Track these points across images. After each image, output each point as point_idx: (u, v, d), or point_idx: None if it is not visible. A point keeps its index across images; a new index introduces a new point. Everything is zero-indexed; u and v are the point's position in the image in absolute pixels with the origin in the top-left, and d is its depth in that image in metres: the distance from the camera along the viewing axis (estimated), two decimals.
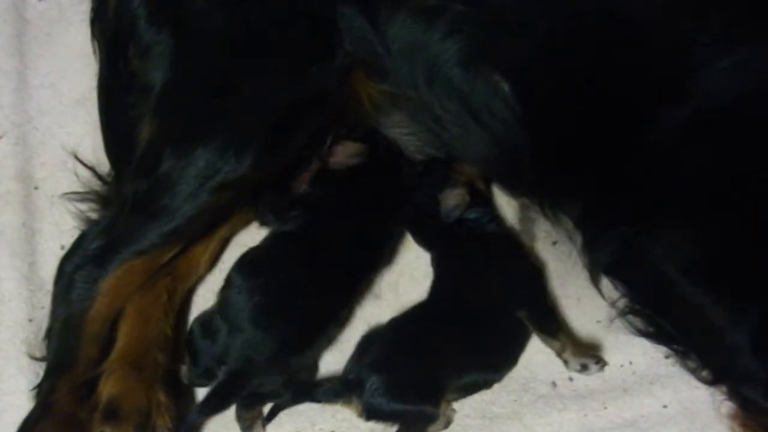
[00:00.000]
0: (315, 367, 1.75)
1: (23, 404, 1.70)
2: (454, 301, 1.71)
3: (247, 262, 1.71)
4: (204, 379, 1.67)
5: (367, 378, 1.60)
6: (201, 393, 1.72)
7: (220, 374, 1.61)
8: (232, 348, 1.61)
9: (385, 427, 1.69)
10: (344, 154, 1.78)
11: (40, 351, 1.71)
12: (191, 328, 1.69)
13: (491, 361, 1.69)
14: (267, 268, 1.69)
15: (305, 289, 1.67)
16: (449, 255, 1.79)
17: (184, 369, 1.70)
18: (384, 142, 1.84)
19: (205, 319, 1.68)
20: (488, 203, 1.85)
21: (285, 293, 1.65)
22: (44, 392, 1.64)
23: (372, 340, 1.70)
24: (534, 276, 1.78)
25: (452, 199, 1.78)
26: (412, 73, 1.71)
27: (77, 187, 1.87)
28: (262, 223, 1.83)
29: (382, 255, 1.80)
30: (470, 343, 1.66)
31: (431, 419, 1.63)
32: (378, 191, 1.81)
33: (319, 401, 1.65)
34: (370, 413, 1.61)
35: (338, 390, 1.62)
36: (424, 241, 1.85)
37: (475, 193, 1.81)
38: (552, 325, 1.72)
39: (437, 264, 1.80)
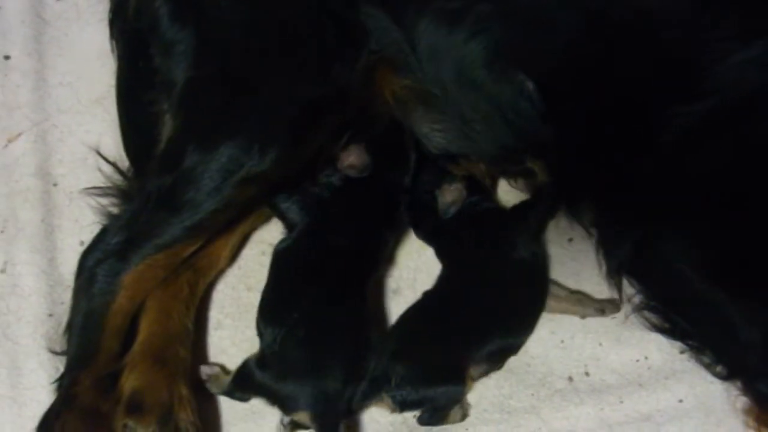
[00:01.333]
0: None
1: (43, 398, 1.71)
2: (464, 285, 1.74)
3: (266, 309, 1.71)
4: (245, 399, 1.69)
5: (391, 371, 1.61)
6: None
7: (307, 418, 1.61)
8: (302, 396, 1.60)
9: (404, 421, 1.72)
10: (350, 162, 1.79)
11: (60, 346, 1.72)
12: (248, 365, 1.66)
13: (510, 325, 1.71)
14: (285, 310, 1.68)
15: (324, 307, 1.67)
16: (451, 245, 1.81)
17: (205, 372, 1.71)
18: (392, 147, 1.85)
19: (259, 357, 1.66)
20: (486, 192, 1.88)
21: (311, 326, 1.64)
22: (65, 385, 1.64)
23: (389, 334, 1.71)
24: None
25: (449, 194, 1.80)
26: (438, 71, 1.72)
27: (96, 183, 1.87)
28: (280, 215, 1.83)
29: (382, 253, 1.81)
30: (485, 313, 1.69)
31: (459, 397, 1.65)
32: (374, 197, 1.82)
33: (355, 412, 1.66)
34: (403, 405, 1.62)
35: (367, 391, 1.62)
36: (424, 236, 1.86)
37: (473, 186, 1.83)
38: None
39: (441, 255, 1.82)
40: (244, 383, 1.64)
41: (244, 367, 1.65)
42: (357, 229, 1.77)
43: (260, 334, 1.67)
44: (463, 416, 1.71)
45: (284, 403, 1.61)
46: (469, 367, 1.65)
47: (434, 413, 1.66)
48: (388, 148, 1.82)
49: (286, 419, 1.63)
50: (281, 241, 1.80)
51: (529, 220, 1.81)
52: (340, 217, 1.78)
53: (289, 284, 1.72)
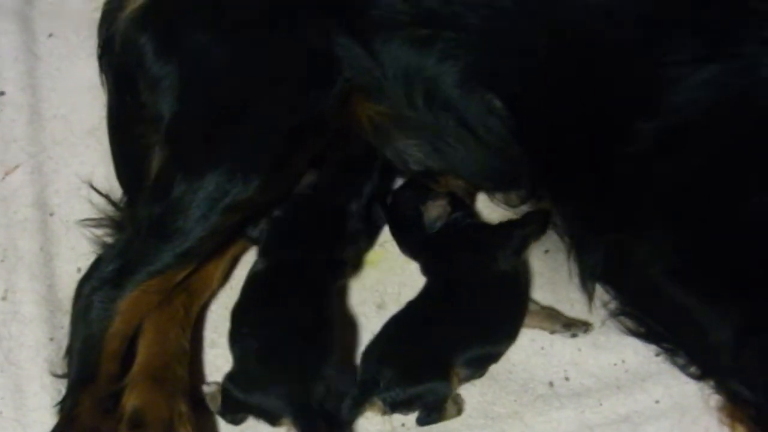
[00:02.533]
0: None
1: (47, 420, 1.75)
2: (447, 293, 1.80)
3: (231, 328, 1.77)
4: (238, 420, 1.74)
5: (378, 373, 1.68)
6: None
7: (289, 421, 1.66)
8: (272, 405, 1.66)
9: (393, 430, 1.77)
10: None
11: (62, 369, 1.77)
12: (225, 383, 1.71)
13: (490, 334, 1.77)
14: (239, 326, 1.76)
15: (274, 318, 1.74)
16: (436, 259, 1.87)
17: (205, 391, 1.75)
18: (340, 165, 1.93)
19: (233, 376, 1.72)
20: (468, 208, 1.95)
21: (263, 337, 1.71)
22: (68, 407, 1.69)
23: (375, 341, 1.78)
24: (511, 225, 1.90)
25: (434, 210, 1.87)
26: (410, 95, 1.78)
27: (91, 213, 1.93)
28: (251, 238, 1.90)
29: (337, 264, 1.86)
30: (466, 323, 1.75)
31: (445, 394, 1.71)
32: (323, 212, 1.88)
33: (350, 422, 1.71)
34: (393, 405, 1.68)
35: (358, 397, 1.68)
36: (409, 251, 1.93)
37: (456, 202, 1.90)
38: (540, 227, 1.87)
39: (426, 270, 1.88)
40: (228, 401, 1.70)
41: (223, 385, 1.72)
42: (308, 243, 1.83)
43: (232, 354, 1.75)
44: (459, 411, 1.76)
45: (262, 415, 1.68)
46: (454, 365, 1.71)
47: (429, 412, 1.71)
48: (344, 172, 1.91)
49: None
50: (251, 268, 1.86)
51: (514, 238, 1.86)
52: (293, 232, 1.85)
53: (247, 303, 1.80)
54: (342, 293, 1.91)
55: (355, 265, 1.93)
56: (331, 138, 1.82)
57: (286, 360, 1.68)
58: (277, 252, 1.83)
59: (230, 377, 1.71)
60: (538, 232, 1.90)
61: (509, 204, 1.97)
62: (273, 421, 1.68)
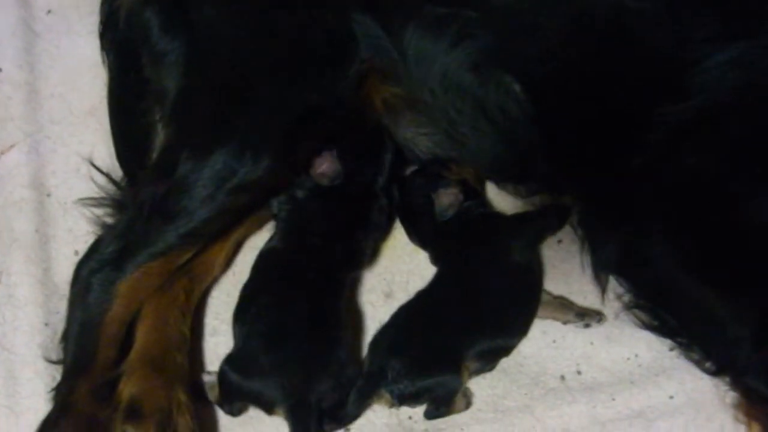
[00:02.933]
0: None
1: (41, 407, 1.72)
2: (458, 283, 1.76)
3: (236, 308, 1.73)
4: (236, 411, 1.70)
5: (387, 364, 1.63)
6: None
7: (282, 413, 1.62)
8: (269, 392, 1.62)
9: (400, 423, 1.73)
10: (322, 170, 1.81)
11: (57, 355, 1.73)
12: (222, 368, 1.67)
13: (501, 327, 1.73)
14: (246, 307, 1.72)
15: (285, 303, 1.70)
16: (447, 249, 1.83)
17: (206, 379, 1.72)
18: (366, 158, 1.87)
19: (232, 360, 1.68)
20: (479, 196, 1.90)
21: (271, 321, 1.67)
22: (63, 393, 1.65)
23: (383, 331, 1.73)
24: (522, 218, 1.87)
25: (446, 198, 1.82)
26: (426, 77, 1.73)
27: (89, 194, 1.88)
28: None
29: (355, 253, 1.82)
30: (477, 314, 1.71)
31: (455, 388, 1.67)
32: (346, 199, 1.83)
33: (356, 415, 1.67)
34: (401, 398, 1.64)
35: (364, 389, 1.64)
36: (418, 240, 1.89)
37: (468, 190, 1.85)
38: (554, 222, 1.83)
39: (436, 259, 1.85)
40: (226, 388, 1.66)
41: (221, 368, 1.67)
42: (329, 230, 1.79)
43: (234, 336, 1.71)
44: (468, 404, 1.74)
45: (258, 402, 1.64)
46: (464, 358, 1.67)
47: (438, 406, 1.68)
48: (362, 151, 1.84)
49: None
50: (267, 242, 1.82)
51: (529, 229, 1.83)
52: (315, 218, 1.80)
53: (259, 283, 1.75)
54: (353, 285, 1.87)
55: (372, 255, 1.88)
56: (344, 119, 1.76)
57: (292, 350, 1.64)
58: (296, 236, 1.78)
59: (229, 360, 1.67)
60: (555, 226, 1.86)
61: (519, 194, 1.92)
62: (267, 409, 1.64)
